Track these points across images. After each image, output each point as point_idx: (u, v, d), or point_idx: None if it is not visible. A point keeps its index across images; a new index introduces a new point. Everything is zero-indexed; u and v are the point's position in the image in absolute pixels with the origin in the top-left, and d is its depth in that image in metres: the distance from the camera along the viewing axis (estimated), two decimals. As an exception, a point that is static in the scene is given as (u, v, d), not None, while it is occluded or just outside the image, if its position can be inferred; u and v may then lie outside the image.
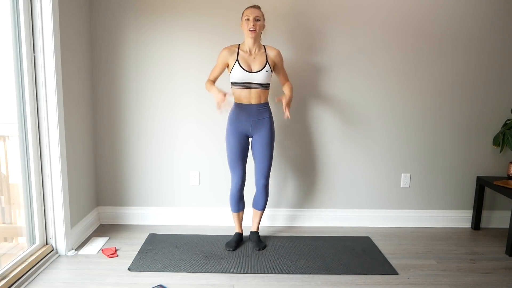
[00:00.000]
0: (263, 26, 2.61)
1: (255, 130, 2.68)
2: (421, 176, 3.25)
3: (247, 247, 2.81)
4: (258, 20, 2.55)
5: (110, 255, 2.65)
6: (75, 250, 2.72)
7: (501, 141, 3.09)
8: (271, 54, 2.64)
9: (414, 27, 3.03)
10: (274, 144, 2.88)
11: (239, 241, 2.84)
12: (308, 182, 3.22)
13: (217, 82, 2.86)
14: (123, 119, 3.10)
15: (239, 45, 2.65)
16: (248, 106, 2.64)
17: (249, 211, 3.13)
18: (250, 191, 3.15)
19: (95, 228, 3.12)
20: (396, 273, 2.49)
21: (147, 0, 2.96)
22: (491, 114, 3.18)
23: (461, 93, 3.14)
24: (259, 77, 2.58)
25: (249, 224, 3.13)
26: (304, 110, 3.12)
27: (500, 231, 3.24)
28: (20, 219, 2.66)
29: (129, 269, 2.48)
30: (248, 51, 2.62)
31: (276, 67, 2.69)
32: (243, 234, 2.95)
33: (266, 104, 2.69)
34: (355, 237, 3.04)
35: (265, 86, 2.63)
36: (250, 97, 2.62)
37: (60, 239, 2.62)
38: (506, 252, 2.81)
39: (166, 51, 3.02)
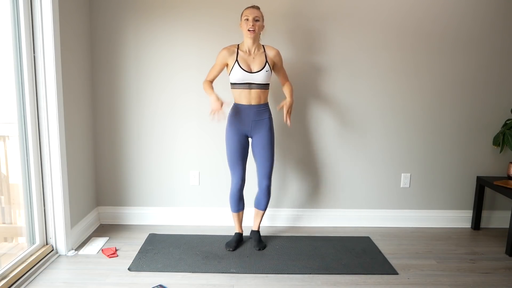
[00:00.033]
0: (262, 27, 2.61)
1: (254, 130, 2.68)
2: (421, 176, 3.25)
3: (247, 247, 2.81)
4: (257, 20, 2.55)
5: (110, 255, 2.65)
6: (75, 250, 2.72)
7: (501, 141, 3.09)
8: (270, 54, 2.64)
9: (414, 27, 3.04)
10: (274, 145, 2.88)
11: (239, 241, 2.84)
12: (308, 182, 3.22)
13: (217, 83, 2.87)
14: (123, 119, 3.10)
15: (238, 45, 2.64)
16: (248, 106, 2.64)
17: (248, 211, 3.13)
18: (250, 191, 3.15)
19: (95, 228, 3.12)
20: (396, 273, 2.49)
21: (147, 0, 2.96)
22: (491, 114, 3.18)
23: (461, 93, 3.14)
24: (259, 77, 2.58)
25: (249, 224, 3.13)
26: (303, 110, 3.12)
27: (500, 231, 3.24)
28: (20, 219, 2.66)
29: (129, 269, 2.48)
30: (247, 51, 2.62)
31: (275, 66, 2.69)
32: (243, 234, 2.95)
33: (266, 105, 2.69)
34: (355, 237, 3.04)
35: (264, 86, 2.63)
36: (250, 97, 2.62)
37: (60, 239, 2.62)
38: (506, 252, 2.81)
39: (166, 51, 3.02)
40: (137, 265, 2.52)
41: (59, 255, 2.64)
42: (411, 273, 2.50)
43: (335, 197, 3.25)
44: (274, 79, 2.94)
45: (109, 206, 3.22)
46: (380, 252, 2.79)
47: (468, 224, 3.32)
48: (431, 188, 3.27)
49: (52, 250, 2.63)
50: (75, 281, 2.32)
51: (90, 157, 3.07)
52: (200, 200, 3.22)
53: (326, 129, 3.15)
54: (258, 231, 2.89)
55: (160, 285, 2.28)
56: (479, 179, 3.16)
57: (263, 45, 2.66)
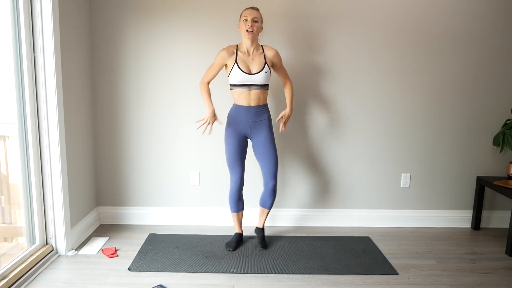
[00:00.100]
0: (261, 28, 2.60)
1: (254, 131, 2.68)
2: (421, 176, 3.25)
3: (247, 247, 2.81)
4: (256, 21, 2.55)
5: (110, 255, 2.65)
6: (75, 250, 2.72)
7: (501, 141, 3.09)
8: (269, 54, 2.63)
9: (414, 27, 3.03)
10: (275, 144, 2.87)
11: (239, 241, 2.84)
12: (308, 182, 3.22)
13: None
14: (123, 119, 3.10)
15: (237, 45, 2.64)
16: (247, 108, 2.63)
17: (248, 211, 3.14)
18: (249, 191, 3.15)
19: (95, 228, 3.12)
20: (396, 273, 2.49)
21: (147, 0, 2.96)
22: (491, 114, 3.18)
23: (461, 93, 3.14)
24: (259, 79, 2.58)
25: (248, 224, 3.13)
26: (303, 110, 3.12)
27: (500, 231, 3.24)
28: (20, 219, 2.66)
29: (129, 269, 2.48)
30: (246, 52, 2.61)
31: (275, 66, 2.69)
32: (243, 234, 2.95)
33: (265, 106, 2.69)
34: (355, 237, 3.04)
35: (264, 87, 2.63)
36: (250, 99, 2.62)
37: (60, 239, 2.62)
38: (506, 252, 2.81)
39: (166, 51, 3.02)
40: (137, 265, 2.52)
41: (59, 255, 2.64)
42: (411, 273, 2.50)
43: (335, 197, 3.25)
44: (273, 79, 2.94)
45: (109, 206, 3.22)
46: (380, 252, 2.79)
47: (468, 224, 3.32)
48: (431, 188, 3.27)
49: (52, 250, 2.63)
50: (75, 281, 2.33)
51: (90, 157, 3.07)
52: (200, 200, 3.22)
53: (326, 129, 3.15)
54: (262, 229, 2.90)
55: (160, 285, 2.28)
56: (479, 179, 3.16)
57: (262, 46, 2.65)
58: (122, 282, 2.33)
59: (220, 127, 3.06)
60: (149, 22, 2.98)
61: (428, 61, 3.08)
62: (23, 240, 2.61)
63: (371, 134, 3.17)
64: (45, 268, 2.46)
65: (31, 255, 2.45)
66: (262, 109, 2.67)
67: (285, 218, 3.26)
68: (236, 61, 2.57)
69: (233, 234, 2.96)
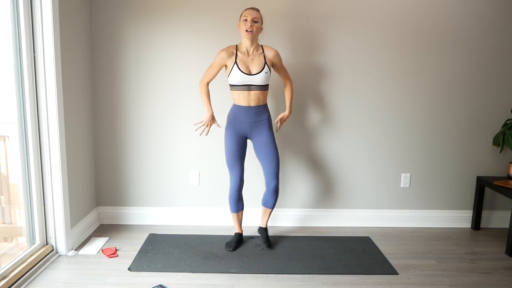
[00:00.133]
0: (260, 29, 2.60)
1: (253, 131, 2.68)
2: (421, 176, 3.25)
3: (247, 247, 2.81)
4: (256, 21, 2.55)
5: (110, 255, 2.65)
6: (75, 250, 2.72)
7: (501, 141, 3.09)
8: (269, 55, 2.63)
9: (414, 27, 3.03)
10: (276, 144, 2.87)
11: (239, 241, 2.84)
12: (308, 182, 3.22)
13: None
14: (123, 119, 3.10)
15: (236, 46, 2.64)
16: (247, 108, 2.63)
17: (248, 211, 3.14)
18: (249, 191, 3.15)
19: (95, 228, 3.12)
20: (396, 273, 2.49)
21: (147, 0, 2.96)
22: (491, 114, 3.18)
23: (461, 93, 3.14)
24: (258, 79, 2.58)
25: (249, 224, 3.13)
26: (303, 110, 3.12)
27: (500, 231, 3.24)
28: (20, 219, 2.66)
29: (129, 269, 2.48)
30: (245, 52, 2.61)
31: (275, 66, 2.68)
32: (243, 234, 2.95)
33: (265, 106, 2.69)
34: (355, 237, 3.04)
35: (264, 88, 2.63)
36: (250, 99, 2.62)
37: (60, 239, 2.62)
38: (506, 252, 2.81)
39: (166, 51, 3.02)
40: (137, 265, 2.52)
41: (59, 255, 2.64)
42: (411, 273, 2.50)
43: (335, 197, 3.25)
44: (273, 79, 2.94)
45: (109, 206, 3.22)
46: (380, 252, 2.79)
47: (468, 224, 3.32)
48: (431, 188, 3.27)
49: (52, 250, 2.63)
50: (75, 281, 2.33)
51: (90, 157, 3.07)
52: (200, 200, 3.22)
53: (325, 129, 3.15)
54: (266, 229, 2.90)
55: (160, 285, 2.28)
56: (479, 179, 3.16)
57: (262, 46, 2.65)
58: (122, 282, 2.33)
59: (220, 127, 3.06)
60: (149, 22, 2.98)
61: (428, 61, 3.08)
62: (23, 240, 2.61)
63: (371, 134, 3.17)
64: (45, 268, 2.46)
65: (31, 255, 2.45)
66: (262, 109, 2.67)
67: (285, 218, 3.26)
68: (235, 62, 2.57)
69: (233, 234, 2.96)
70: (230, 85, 2.64)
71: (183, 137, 3.13)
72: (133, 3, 2.95)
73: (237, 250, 2.76)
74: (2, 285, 2.11)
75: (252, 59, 2.60)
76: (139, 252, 2.70)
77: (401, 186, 3.25)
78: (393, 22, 3.03)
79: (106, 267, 2.50)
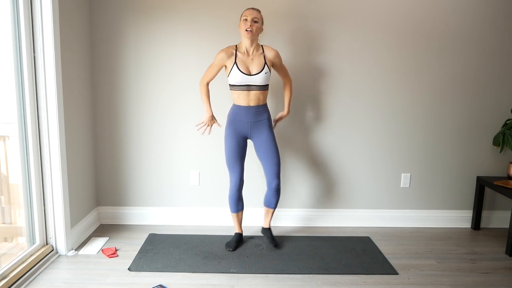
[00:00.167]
0: (260, 29, 2.60)
1: (253, 131, 2.68)
2: (421, 176, 3.25)
3: (247, 247, 2.81)
4: (256, 21, 2.55)
5: (110, 255, 2.65)
6: (75, 250, 2.72)
7: (501, 141, 3.09)
8: (270, 55, 2.63)
9: (414, 27, 3.03)
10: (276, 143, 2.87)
11: (239, 241, 2.84)
12: (308, 182, 3.22)
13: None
14: (123, 119, 3.10)
15: (236, 46, 2.64)
16: (247, 108, 2.63)
17: (248, 211, 3.14)
18: (249, 191, 3.15)
19: (95, 228, 3.12)
20: (396, 273, 2.49)
21: (147, 0, 2.96)
22: (491, 114, 3.18)
23: (461, 93, 3.14)
24: (258, 80, 2.57)
25: (249, 224, 3.13)
26: (303, 110, 3.12)
27: (500, 231, 3.24)
28: (20, 219, 2.66)
29: (129, 269, 2.48)
30: (245, 52, 2.61)
31: (275, 66, 2.68)
32: (243, 234, 2.95)
33: (264, 106, 2.69)
34: (355, 237, 3.04)
35: (264, 88, 2.63)
36: (249, 99, 2.62)
37: (60, 239, 2.62)
38: (506, 252, 2.81)
39: (166, 51, 3.02)
40: (137, 265, 2.52)
41: (59, 255, 2.64)
42: (411, 273, 2.50)
43: (335, 197, 3.25)
44: (273, 79, 2.93)
45: (109, 206, 3.22)
46: (380, 252, 2.79)
47: (468, 224, 3.32)
48: (431, 188, 3.27)
49: (52, 250, 2.63)
50: (75, 281, 2.33)
51: (90, 157, 3.07)
52: (200, 200, 3.22)
53: (325, 129, 3.15)
54: (269, 229, 2.90)
55: (160, 285, 2.28)
56: (479, 179, 3.16)
57: (262, 46, 2.65)
58: (122, 282, 2.33)
59: (220, 128, 3.06)
60: (149, 22, 2.98)
61: (428, 61, 3.08)
62: (23, 240, 2.61)
63: (371, 134, 3.17)
64: (45, 268, 2.46)
65: (31, 255, 2.45)
66: (261, 109, 2.67)
67: (285, 218, 3.26)
68: (235, 62, 2.57)
69: (233, 234, 2.96)
70: (229, 85, 2.64)
71: (183, 137, 3.13)
72: (133, 3, 2.95)
73: (237, 250, 2.76)
74: (2, 285, 2.11)
75: (252, 59, 2.59)
76: (139, 252, 2.70)
77: (401, 186, 3.25)
78: (393, 22, 3.03)
79: (106, 267, 2.50)
